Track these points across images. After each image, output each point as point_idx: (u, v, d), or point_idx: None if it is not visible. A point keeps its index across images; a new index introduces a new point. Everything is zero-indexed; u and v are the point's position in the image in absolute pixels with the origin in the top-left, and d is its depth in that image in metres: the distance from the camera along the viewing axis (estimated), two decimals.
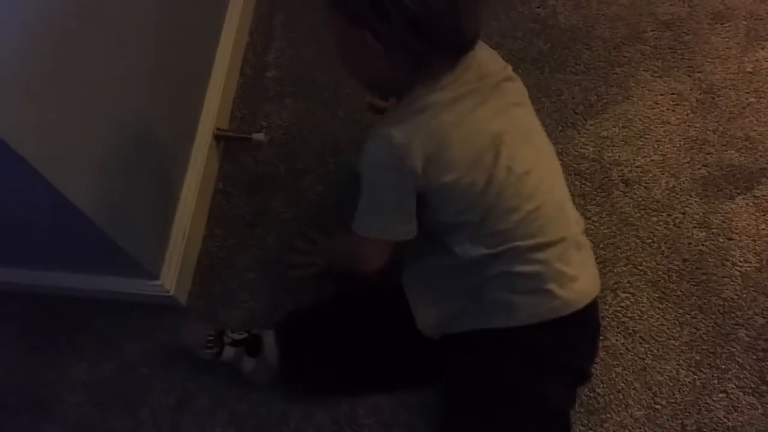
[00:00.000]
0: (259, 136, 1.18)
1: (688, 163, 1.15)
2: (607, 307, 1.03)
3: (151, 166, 0.99)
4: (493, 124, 0.79)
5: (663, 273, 1.06)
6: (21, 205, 0.82)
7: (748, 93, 1.20)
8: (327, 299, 0.98)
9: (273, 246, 1.11)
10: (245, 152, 1.20)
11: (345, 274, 0.97)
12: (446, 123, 0.77)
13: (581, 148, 1.17)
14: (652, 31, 1.28)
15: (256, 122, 1.23)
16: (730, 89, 1.21)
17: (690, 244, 1.08)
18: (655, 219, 1.10)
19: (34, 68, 0.69)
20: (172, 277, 1.02)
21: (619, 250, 1.08)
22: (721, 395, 0.97)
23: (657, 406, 0.96)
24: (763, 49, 1.24)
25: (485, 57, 0.81)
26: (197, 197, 1.09)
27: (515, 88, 0.86)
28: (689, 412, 0.96)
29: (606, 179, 1.14)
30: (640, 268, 1.07)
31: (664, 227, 1.10)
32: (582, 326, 0.87)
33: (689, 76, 1.23)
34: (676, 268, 1.06)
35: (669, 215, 1.11)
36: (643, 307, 1.03)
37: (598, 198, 1.12)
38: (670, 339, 1.00)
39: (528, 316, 0.82)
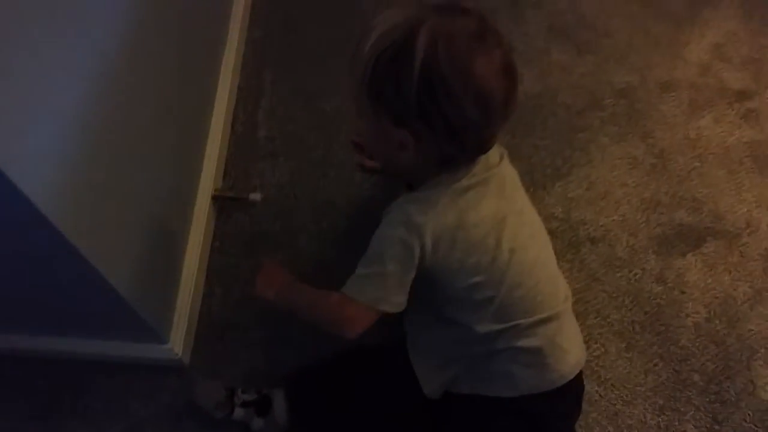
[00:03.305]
0: (255, 196, 1.23)
1: (644, 222, 1.29)
2: None
3: (158, 232, 1.03)
4: (497, 209, 0.88)
5: (628, 324, 1.19)
6: (48, 276, 0.84)
7: (693, 158, 1.36)
8: (334, 357, 1.04)
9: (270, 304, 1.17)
10: (241, 211, 1.25)
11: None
12: (460, 209, 0.85)
13: (551, 208, 1.29)
14: (609, 98, 1.42)
15: (250, 181, 1.28)
16: (678, 154, 1.36)
17: (649, 297, 1.21)
18: (619, 275, 1.23)
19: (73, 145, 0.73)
20: (180, 339, 1.07)
21: (588, 304, 1.20)
22: None
23: None
24: (703, 118, 1.40)
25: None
26: (199, 257, 1.14)
27: (510, 171, 0.95)
28: None
29: (574, 237, 1.26)
30: (608, 320, 1.19)
31: (627, 282, 1.23)
32: (570, 392, 0.95)
33: (643, 141, 1.37)
34: (639, 319, 1.19)
35: (630, 271, 1.24)
36: (612, 357, 1.15)
37: (568, 255, 1.24)
38: (637, 386, 1.13)
39: (529, 387, 0.90)
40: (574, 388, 0.94)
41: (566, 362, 0.91)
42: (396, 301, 0.88)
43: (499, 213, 0.88)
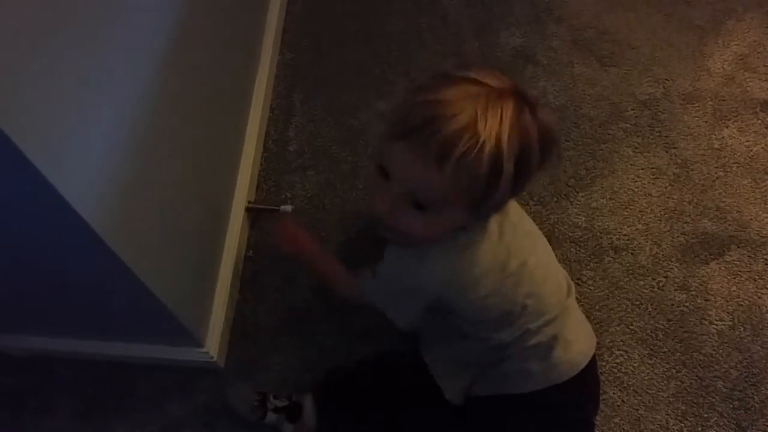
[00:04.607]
0: (287, 208, 1.29)
1: (668, 231, 1.30)
2: (604, 363, 1.16)
3: (197, 242, 1.09)
4: (499, 234, 0.90)
5: (651, 332, 1.20)
6: (97, 287, 0.91)
7: (716, 167, 1.37)
8: (361, 363, 1.09)
9: (302, 310, 1.22)
10: (272, 221, 1.31)
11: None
12: (480, 251, 0.88)
13: (574, 218, 1.32)
14: (632, 110, 1.44)
15: (281, 193, 1.34)
16: (701, 164, 1.37)
17: (672, 305, 1.23)
18: (642, 283, 1.25)
19: (121, 159, 0.77)
20: (215, 344, 1.12)
21: (612, 312, 1.22)
22: None
23: None
24: (727, 127, 1.41)
25: None
26: (233, 264, 1.20)
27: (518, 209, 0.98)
28: None
29: (597, 246, 1.29)
30: (631, 327, 1.21)
31: (650, 290, 1.24)
32: (584, 382, 0.97)
33: (666, 152, 1.39)
34: (662, 327, 1.21)
35: (654, 279, 1.25)
36: (635, 363, 1.17)
37: (591, 264, 1.27)
38: (659, 391, 1.14)
39: (541, 381, 0.94)
40: (588, 378, 0.96)
41: (573, 352, 0.94)
42: (406, 319, 0.96)
43: (504, 237, 0.90)
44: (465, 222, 0.83)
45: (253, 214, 1.30)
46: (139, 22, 0.82)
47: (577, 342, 0.96)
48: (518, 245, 0.91)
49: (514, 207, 0.95)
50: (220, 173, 1.21)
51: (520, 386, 0.95)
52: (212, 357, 1.11)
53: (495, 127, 0.73)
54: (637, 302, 1.23)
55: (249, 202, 1.28)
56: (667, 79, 1.47)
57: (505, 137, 0.74)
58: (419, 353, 1.04)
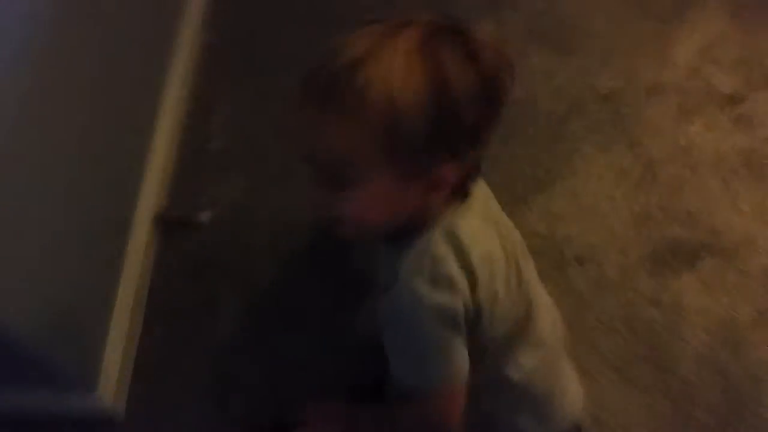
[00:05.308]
0: (204, 216, 1.10)
1: (635, 239, 1.17)
2: None
3: (82, 260, 0.89)
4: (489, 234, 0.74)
5: (622, 355, 1.07)
6: None
7: (684, 167, 1.25)
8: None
9: (222, 343, 1.03)
10: (187, 234, 1.11)
11: None
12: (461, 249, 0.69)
13: (534, 225, 1.17)
14: (593, 104, 1.31)
15: (199, 199, 1.14)
16: (668, 163, 1.25)
17: (644, 323, 1.10)
18: (610, 298, 1.12)
19: None
20: (110, 387, 0.92)
21: (578, 332, 1.08)
22: None
23: None
24: (693, 124, 1.30)
25: None
26: (135, 291, 1.00)
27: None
28: None
29: (560, 256, 1.15)
30: (599, 350, 1.07)
31: (619, 307, 1.11)
32: None
33: (630, 150, 1.26)
34: (634, 348, 1.07)
35: (623, 294, 1.12)
36: (607, 391, 1.03)
37: (553, 276, 1.12)
38: (636, 425, 1.01)
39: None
40: None
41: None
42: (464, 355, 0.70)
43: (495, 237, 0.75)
44: (416, 197, 0.65)
45: (163, 226, 1.10)
46: None
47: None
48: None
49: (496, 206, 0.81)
50: (119, 177, 1.00)
51: None
52: (108, 403, 0.91)
53: (389, 60, 0.58)
54: (606, 321, 1.10)
55: (158, 210, 1.07)
56: (628, 70, 1.35)
57: (399, 74, 0.58)
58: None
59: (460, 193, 0.70)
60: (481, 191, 0.77)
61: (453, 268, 0.66)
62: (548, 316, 0.83)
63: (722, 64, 1.37)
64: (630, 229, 1.18)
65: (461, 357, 0.68)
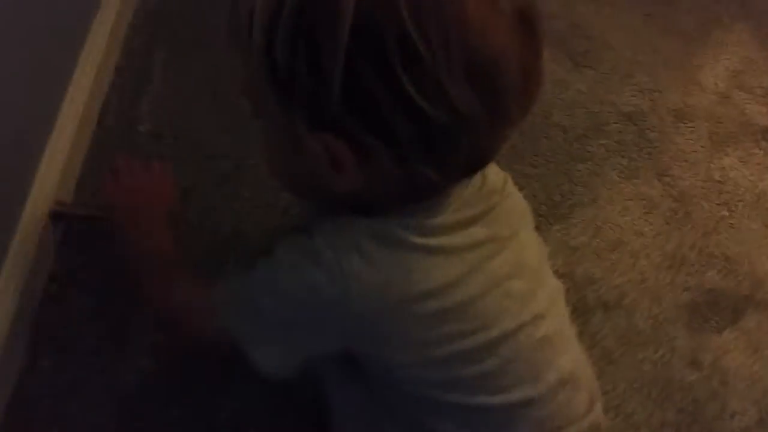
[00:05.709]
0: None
1: (669, 284, 0.96)
2: None
3: None
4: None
5: (657, 428, 0.84)
6: None
7: (719, 205, 1.06)
8: None
9: (132, 382, 0.75)
10: (97, 237, 0.83)
11: None
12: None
13: (550, 259, 0.94)
14: (614, 122, 1.11)
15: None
16: (701, 199, 1.06)
17: (682, 389, 0.88)
18: (641, 356, 0.89)
19: None
20: None
21: (605, 396, 0.85)
22: None
23: None
24: (727, 155, 1.12)
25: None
26: (15, 311, 0.71)
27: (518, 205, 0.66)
28: None
29: (582, 301, 0.92)
30: (631, 420, 0.84)
31: (652, 367, 0.89)
32: None
33: (658, 179, 1.06)
34: (670, 420, 0.85)
35: (656, 351, 0.90)
36: None
37: (575, 325, 0.89)
38: None
39: None
40: None
41: None
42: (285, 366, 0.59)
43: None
44: (307, 163, 0.50)
45: (63, 224, 0.81)
46: None
47: None
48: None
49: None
50: (6, 155, 0.72)
51: None
52: None
53: None
54: (637, 384, 0.87)
55: (57, 205, 0.79)
56: (653, 90, 1.16)
57: None
58: None
59: (412, 197, 0.53)
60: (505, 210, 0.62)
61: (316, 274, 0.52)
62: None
63: (754, 93, 1.20)
64: (663, 273, 0.97)
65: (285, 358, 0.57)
